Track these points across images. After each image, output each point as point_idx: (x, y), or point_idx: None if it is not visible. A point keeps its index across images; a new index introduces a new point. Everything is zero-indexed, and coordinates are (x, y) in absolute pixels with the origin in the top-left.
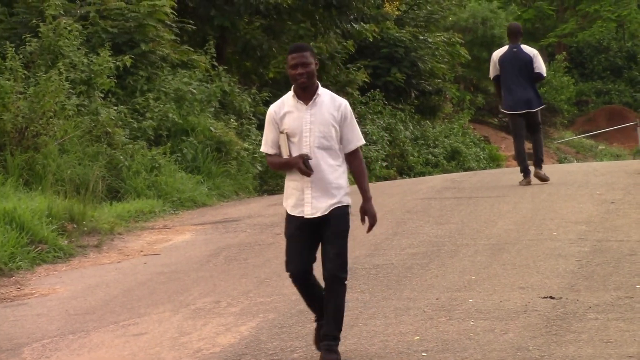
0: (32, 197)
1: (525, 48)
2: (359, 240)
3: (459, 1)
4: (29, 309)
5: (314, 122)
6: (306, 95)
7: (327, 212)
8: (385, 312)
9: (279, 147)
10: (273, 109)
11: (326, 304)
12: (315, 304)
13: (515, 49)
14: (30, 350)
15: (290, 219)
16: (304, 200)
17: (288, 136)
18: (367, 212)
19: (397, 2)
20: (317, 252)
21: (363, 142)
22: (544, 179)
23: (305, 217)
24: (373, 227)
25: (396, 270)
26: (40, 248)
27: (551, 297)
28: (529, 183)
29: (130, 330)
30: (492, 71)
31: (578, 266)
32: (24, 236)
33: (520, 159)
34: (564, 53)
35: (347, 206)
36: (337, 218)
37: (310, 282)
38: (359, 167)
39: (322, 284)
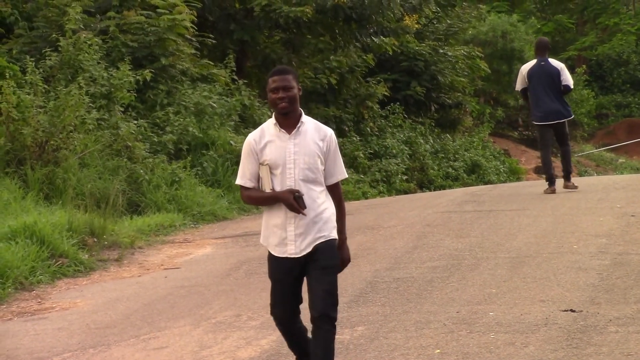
0: (52, 211)
1: (553, 62)
2: (379, 253)
3: (479, 14)
4: (50, 323)
5: (298, 152)
6: (288, 123)
7: (311, 248)
8: (406, 326)
9: (258, 180)
10: (252, 137)
11: (314, 348)
12: (297, 345)
13: (543, 63)
14: None
15: (273, 260)
16: (287, 238)
17: (270, 168)
18: (342, 256)
19: (417, 16)
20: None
21: (345, 175)
22: (572, 188)
23: (289, 257)
24: (343, 269)
25: (416, 284)
26: (60, 262)
27: (572, 310)
28: (553, 191)
29: (150, 344)
30: (520, 84)
31: (598, 279)
32: (45, 250)
33: (546, 167)
34: (584, 66)
35: (334, 240)
36: (324, 253)
37: (296, 325)
38: (338, 204)
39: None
